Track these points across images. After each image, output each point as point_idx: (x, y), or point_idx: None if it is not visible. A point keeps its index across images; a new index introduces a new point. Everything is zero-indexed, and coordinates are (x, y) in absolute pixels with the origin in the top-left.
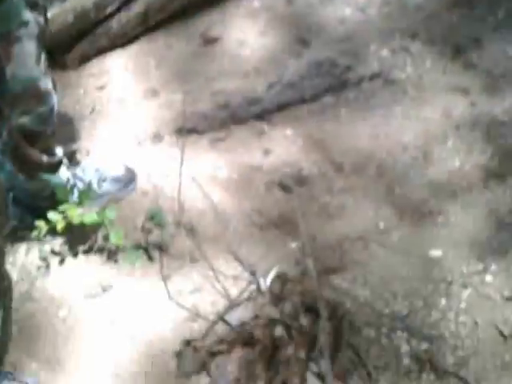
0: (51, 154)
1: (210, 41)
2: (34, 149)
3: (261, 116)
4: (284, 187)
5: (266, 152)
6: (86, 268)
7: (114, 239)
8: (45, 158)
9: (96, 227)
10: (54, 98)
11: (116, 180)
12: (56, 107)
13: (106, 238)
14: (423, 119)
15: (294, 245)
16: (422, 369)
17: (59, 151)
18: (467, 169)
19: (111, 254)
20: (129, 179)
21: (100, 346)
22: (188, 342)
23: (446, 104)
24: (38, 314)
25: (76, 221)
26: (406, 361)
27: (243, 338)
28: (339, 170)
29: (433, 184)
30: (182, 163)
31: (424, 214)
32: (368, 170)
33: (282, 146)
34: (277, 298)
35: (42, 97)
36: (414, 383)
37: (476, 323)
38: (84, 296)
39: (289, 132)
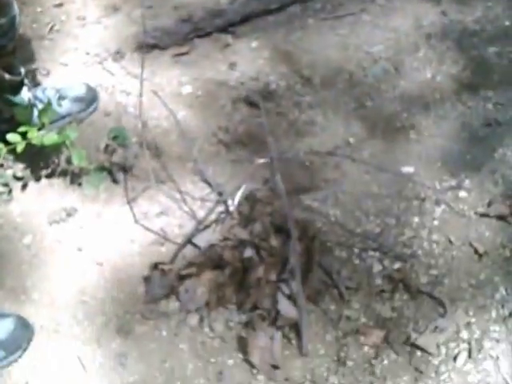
0: (13, 72)
1: None
2: None
3: (225, 28)
4: (251, 103)
5: (232, 66)
6: (50, 193)
7: (76, 161)
8: (7, 77)
9: (58, 150)
10: (15, 10)
11: (77, 100)
12: (18, 20)
13: (69, 160)
14: (393, 29)
15: (262, 162)
16: (394, 289)
17: (21, 70)
18: (439, 80)
19: (74, 178)
20: (91, 99)
21: (66, 273)
22: (156, 266)
23: (416, 13)
24: (1, 241)
25: (36, 142)
26: (379, 281)
27: (212, 260)
28: (308, 83)
29: (404, 97)
30: (142, 80)
31: (396, 129)
32: (338, 83)
33: (247, 59)
34: (246, 219)
35: (0, 7)
36: (386, 304)
37: (450, 241)
38: (48, 222)
39: (254, 44)
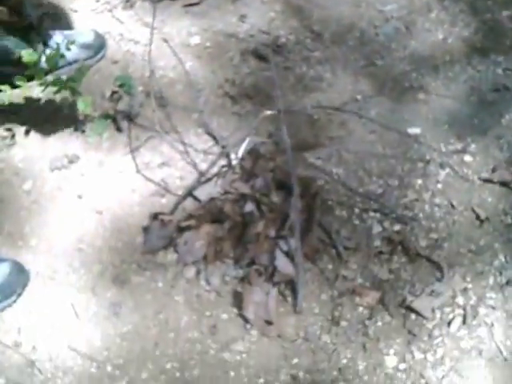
0: (22, 14)
1: None
2: (4, 6)
3: None
4: (259, 56)
5: (242, 18)
6: (53, 139)
7: (81, 107)
8: (15, 18)
9: (64, 96)
10: None
11: (85, 47)
12: None
13: (74, 107)
14: None
15: (267, 115)
16: (393, 251)
17: (31, 13)
18: (450, 42)
19: (78, 124)
20: (99, 46)
21: (65, 220)
22: (155, 216)
23: None
24: (2, 186)
25: (42, 86)
26: (378, 242)
27: (212, 213)
28: (318, 39)
29: (414, 57)
30: (152, 28)
31: (404, 89)
32: (348, 40)
33: (258, 12)
34: (248, 174)
35: None
36: (384, 265)
37: (452, 205)
38: (50, 168)
39: None
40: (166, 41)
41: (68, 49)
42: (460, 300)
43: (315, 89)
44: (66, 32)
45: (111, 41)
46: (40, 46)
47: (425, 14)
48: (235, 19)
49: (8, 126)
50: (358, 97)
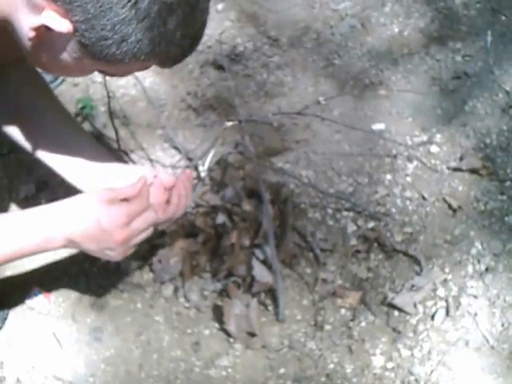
0: None
1: None
2: None
3: None
4: (219, 66)
5: None
6: (18, 167)
7: None
8: None
9: None
10: None
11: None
12: None
13: None
14: None
15: (231, 125)
16: (369, 249)
17: None
18: (407, 34)
19: None
20: None
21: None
22: None
23: None
24: None
25: None
26: (354, 241)
27: (185, 228)
28: (275, 44)
29: (372, 53)
30: None
31: (365, 86)
32: (305, 42)
33: (213, 22)
34: (218, 185)
35: None
36: (362, 264)
37: (423, 197)
38: (20, 198)
39: (220, 7)
40: None
41: None
42: (441, 292)
43: (277, 94)
44: None
45: None
46: None
47: (379, 9)
48: None
49: None
50: (320, 98)
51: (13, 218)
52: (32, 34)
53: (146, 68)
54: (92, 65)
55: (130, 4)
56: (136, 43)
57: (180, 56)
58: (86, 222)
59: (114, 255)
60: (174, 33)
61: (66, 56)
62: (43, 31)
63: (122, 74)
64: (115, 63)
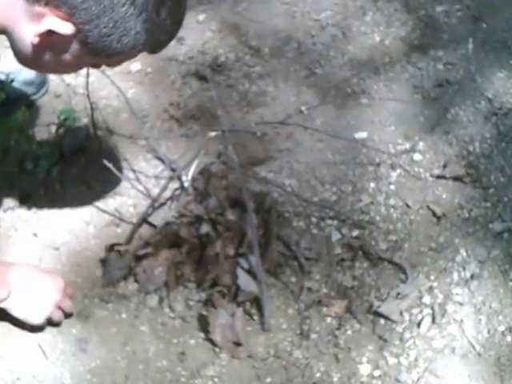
0: None
1: None
2: None
3: None
4: (201, 77)
5: (180, 40)
6: (1, 179)
7: (26, 145)
8: None
9: (8, 134)
10: None
11: (27, 83)
12: None
13: (19, 144)
14: None
15: (214, 136)
16: (354, 257)
17: None
18: (388, 43)
19: (26, 162)
20: (41, 82)
21: (23, 260)
22: (112, 248)
23: None
24: None
25: None
26: (338, 250)
27: (169, 238)
28: (257, 54)
29: (354, 62)
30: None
31: (347, 95)
32: (286, 52)
33: (195, 33)
34: (201, 195)
35: None
36: (347, 272)
37: (407, 205)
38: (2, 209)
39: (201, 17)
40: (102, 71)
41: (9, 87)
42: (427, 299)
43: (259, 104)
44: (6, 70)
45: (52, 75)
46: None
47: (360, 18)
48: (173, 42)
49: None
50: (303, 107)
51: None
52: (36, 40)
53: (136, 56)
54: (91, 60)
55: (129, 1)
56: (135, 35)
57: (168, 41)
58: (32, 279)
59: (41, 314)
60: (165, 21)
61: (67, 55)
62: (47, 36)
63: (116, 65)
64: (114, 56)
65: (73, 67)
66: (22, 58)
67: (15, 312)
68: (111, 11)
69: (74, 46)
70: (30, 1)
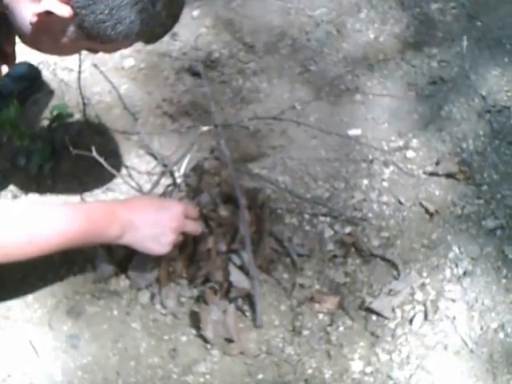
0: None
1: None
2: None
3: None
4: (194, 73)
5: (174, 36)
6: None
7: (18, 141)
8: None
9: (1, 130)
10: None
11: (20, 79)
12: None
13: (12, 140)
14: None
15: (206, 131)
16: (346, 253)
17: None
18: (382, 40)
19: (19, 158)
20: (33, 77)
21: None
22: (102, 245)
23: None
24: None
25: None
26: (331, 246)
27: None
28: (251, 50)
29: (348, 59)
30: (80, 54)
31: (341, 91)
32: (281, 48)
33: (189, 29)
34: (194, 191)
35: None
36: (339, 269)
37: (400, 202)
38: None
39: (196, 13)
40: (96, 66)
41: (1, 82)
42: (419, 296)
43: (253, 100)
44: None
45: (45, 71)
46: None
47: (354, 15)
48: (167, 38)
49: None
50: (296, 104)
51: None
52: (35, 19)
53: (131, 45)
54: (86, 45)
55: None
56: (129, 24)
57: (163, 33)
58: (148, 209)
59: (164, 241)
60: (160, 13)
61: (64, 37)
62: (45, 16)
63: (111, 51)
64: (108, 42)
65: (69, 50)
66: (22, 36)
67: (138, 246)
68: None
69: (71, 29)
70: None
